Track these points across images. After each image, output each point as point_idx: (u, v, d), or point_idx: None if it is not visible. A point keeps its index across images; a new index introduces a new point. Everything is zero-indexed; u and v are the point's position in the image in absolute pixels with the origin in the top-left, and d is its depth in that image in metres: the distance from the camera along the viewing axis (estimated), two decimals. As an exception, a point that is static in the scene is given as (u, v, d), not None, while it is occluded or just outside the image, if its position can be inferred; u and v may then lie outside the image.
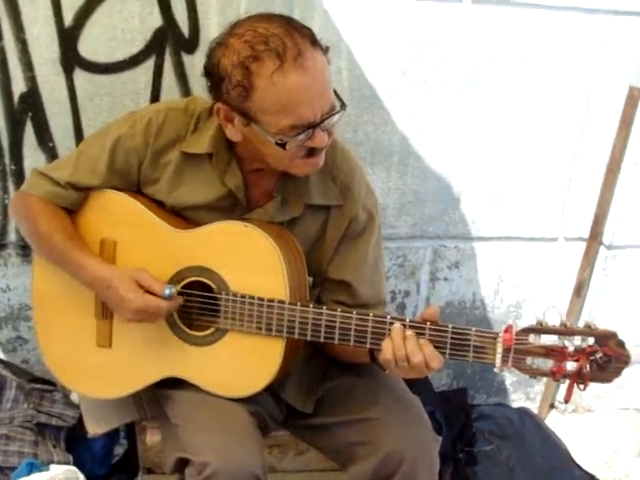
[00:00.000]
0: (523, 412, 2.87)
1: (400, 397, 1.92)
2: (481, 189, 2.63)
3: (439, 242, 2.69)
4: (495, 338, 1.59)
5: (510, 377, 3.01)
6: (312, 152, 1.66)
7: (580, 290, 2.79)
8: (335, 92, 1.66)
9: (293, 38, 1.55)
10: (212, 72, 1.63)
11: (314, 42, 1.60)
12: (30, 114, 2.27)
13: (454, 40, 2.39)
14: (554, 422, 2.96)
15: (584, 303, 2.83)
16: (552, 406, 3.05)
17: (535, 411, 2.97)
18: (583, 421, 3.07)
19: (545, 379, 2.97)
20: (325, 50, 1.63)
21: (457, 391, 2.92)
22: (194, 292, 1.79)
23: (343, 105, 1.65)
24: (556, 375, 1.58)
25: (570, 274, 2.81)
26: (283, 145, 1.61)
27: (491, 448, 2.68)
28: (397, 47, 2.36)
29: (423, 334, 1.62)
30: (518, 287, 2.83)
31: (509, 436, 2.72)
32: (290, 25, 1.58)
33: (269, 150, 1.66)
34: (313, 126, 1.60)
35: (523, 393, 3.07)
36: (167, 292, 1.73)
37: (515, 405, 3.01)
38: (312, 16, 2.21)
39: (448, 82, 2.45)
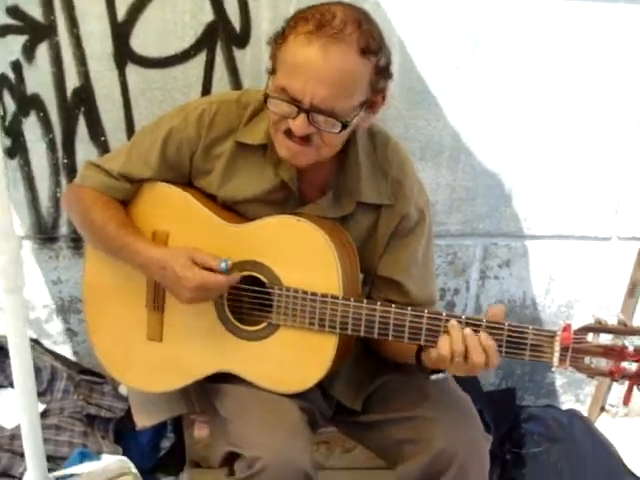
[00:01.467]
0: (573, 414, 2.81)
1: (451, 395, 1.89)
2: (533, 186, 2.59)
3: (490, 240, 2.66)
4: (553, 336, 1.57)
5: (560, 378, 2.96)
6: (290, 134, 1.63)
7: (633, 291, 2.73)
8: (363, 106, 1.63)
9: (344, 25, 1.54)
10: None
11: (364, 51, 1.56)
12: (83, 108, 2.30)
13: (507, 34, 2.35)
14: (605, 425, 2.90)
15: (637, 304, 2.76)
16: (603, 409, 3.00)
17: (585, 414, 2.91)
18: (635, 425, 3.01)
19: (596, 381, 2.93)
20: (381, 74, 1.62)
21: (506, 391, 2.87)
22: (246, 286, 1.78)
23: (344, 125, 1.60)
24: (615, 375, 1.55)
25: (623, 274, 2.75)
26: (266, 98, 1.61)
27: (539, 450, 2.63)
28: (450, 42, 2.34)
29: (478, 331, 1.60)
30: (570, 287, 2.78)
31: (558, 439, 2.67)
32: (358, 20, 1.57)
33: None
34: (299, 107, 1.57)
35: (573, 395, 3.01)
36: (223, 265, 1.72)
37: (564, 407, 2.96)
38: (363, 7, 2.17)
39: (501, 77, 2.41)
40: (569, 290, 2.78)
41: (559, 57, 2.41)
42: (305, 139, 1.62)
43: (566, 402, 3.01)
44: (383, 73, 1.64)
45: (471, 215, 2.60)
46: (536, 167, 2.56)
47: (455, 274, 2.68)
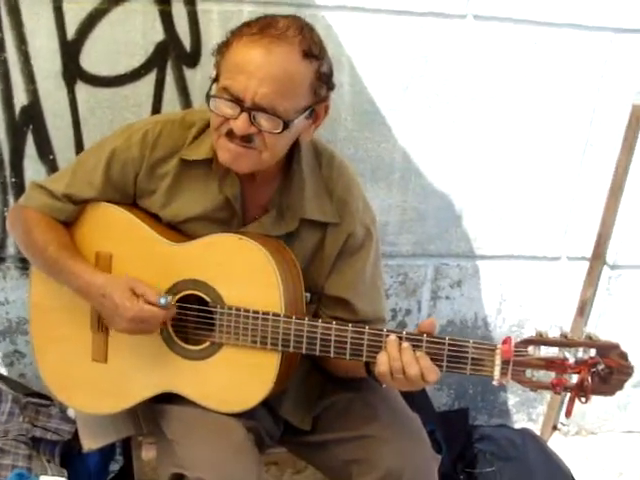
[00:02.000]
0: (525, 433, 2.83)
1: (399, 414, 1.89)
2: (483, 207, 2.62)
3: (441, 260, 2.67)
4: (493, 350, 1.58)
5: (512, 398, 2.98)
6: (232, 136, 1.63)
7: (583, 310, 2.76)
8: (304, 111, 1.65)
9: (286, 29, 1.58)
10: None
11: (306, 54, 1.59)
12: (31, 126, 2.28)
13: (456, 56, 2.39)
14: (557, 444, 2.92)
15: (587, 323, 2.80)
16: (555, 428, 3.02)
17: (538, 433, 2.93)
18: (586, 444, 3.03)
19: (547, 400, 2.96)
20: (322, 80, 1.64)
21: (458, 411, 2.89)
22: (189, 305, 1.77)
23: (286, 125, 1.61)
24: (557, 388, 1.55)
25: (573, 294, 2.78)
26: (208, 100, 1.63)
27: (492, 470, 2.63)
28: (399, 62, 2.36)
29: (420, 346, 1.60)
30: (520, 306, 2.81)
31: (511, 458, 2.68)
32: (300, 26, 1.62)
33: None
34: (241, 107, 1.58)
35: (525, 414, 3.03)
36: (163, 301, 1.71)
37: (517, 426, 2.98)
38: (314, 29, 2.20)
39: (450, 98, 2.44)
40: (520, 310, 2.81)
41: (508, 79, 2.45)
42: (246, 139, 1.63)
43: (519, 421, 3.03)
44: (325, 80, 1.66)
45: (422, 235, 2.61)
46: (486, 188, 2.59)
47: (406, 294, 2.69)
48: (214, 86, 1.66)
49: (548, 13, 2.37)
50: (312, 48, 1.61)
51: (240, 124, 1.59)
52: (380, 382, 1.69)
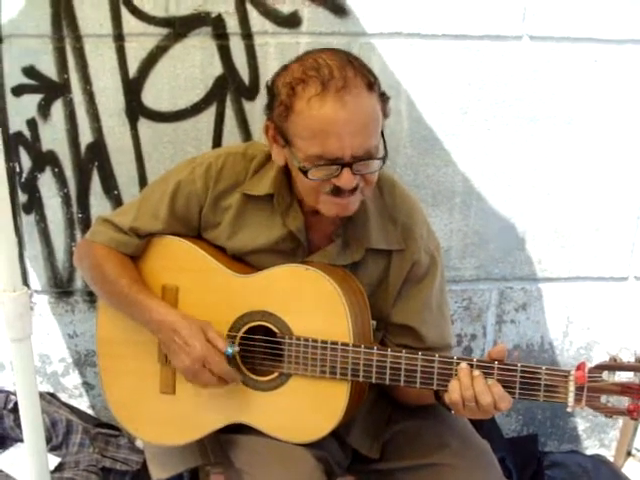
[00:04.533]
0: (598, 460, 2.76)
1: (469, 441, 1.86)
2: (546, 228, 2.58)
3: (505, 284, 2.64)
4: (567, 376, 1.55)
5: (583, 423, 2.90)
6: (338, 192, 1.64)
7: (654, 331, 2.69)
8: (384, 142, 1.66)
9: (344, 72, 1.57)
10: (268, 90, 1.68)
11: (370, 86, 1.60)
12: (96, 163, 2.34)
13: (514, 78, 2.37)
14: (632, 471, 2.82)
15: (658, 345, 2.72)
16: (629, 454, 2.92)
17: (611, 459, 2.84)
18: (663, 470, 2.93)
19: (619, 425, 2.87)
20: (383, 99, 1.64)
21: (528, 437, 2.83)
22: (257, 337, 1.78)
23: (385, 157, 1.64)
24: (633, 414, 1.52)
25: (642, 314, 2.72)
26: (305, 172, 1.61)
27: (564, 497, 2.58)
28: (456, 87, 2.36)
29: (491, 374, 1.58)
30: (588, 329, 2.74)
31: (583, 485, 2.62)
32: (349, 61, 1.60)
33: (298, 178, 1.68)
34: (342, 164, 1.59)
35: (597, 440, 2.95)
36: (230, 350, 1.73)
37: (589, 452, 2.90)
38: (370, 58, 2.22)
39: (509, 121, 2.42)
40: (587, 332, 2.75)
41: (566, 99, 2.42)
42: (353, 190, 1.65)
43: (590, 447, 2.95)
44: (385, 100, 1.67)
45: (485, 259, 2.59)
46: (549, 209, 2.56)
47: (471, 319, 2.66)
48: (294, 152, 1.63)
49: (608, 30, 2.34)
50: (370, 78, 1.61)
51: (347, 180, 1.60)
52: (449, 409, 1.67)
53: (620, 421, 2.87)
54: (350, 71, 1.58)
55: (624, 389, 1.52)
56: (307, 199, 1.73)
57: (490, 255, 2.58)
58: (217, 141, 2.33)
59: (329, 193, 1.65)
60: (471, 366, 1.59)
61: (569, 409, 1.56)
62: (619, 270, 2.67)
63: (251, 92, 2.29)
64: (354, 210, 1.72)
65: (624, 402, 1.54)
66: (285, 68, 1.66)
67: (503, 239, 2.57)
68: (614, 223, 2.61)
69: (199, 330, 1.74)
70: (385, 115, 1.67)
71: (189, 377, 1.76)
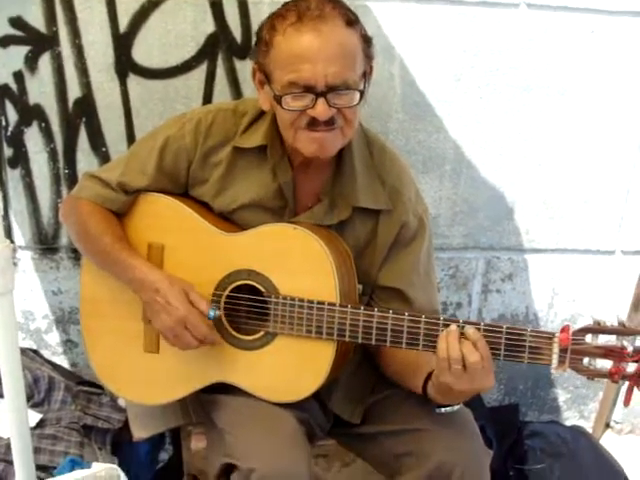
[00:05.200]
0: (577, 431, 2.79)
1: (452, 409, 1.87)
2: (535, 199, 2.58)
3: (492, 253, 2.64)
4: (551, 338, 1.56)
5: (563, 394, 2.93)
6: (314, 123, 1.63)
7: (638, 305, 2.70)
8: (366, 75, 1.66)
9: (322, 5, 1.60)
10: (256, 36, 1.70)
11: (350, 23, 1.61)
12: (84, 119, 2.31)
13: (509, 46, 2.36)
14: (609, 442, 2.85)
15: (643, 318, 2.74)
16: (607, 425, 2.95)
17: (589, 430, 2.88)
18: (640, 442, 2.97)
19: (599, 397, 2.90)
20: (366, 39, 1.65)
21: (508, 407, 2.85)
22: (243, 295, 1.77)
23: (362, 92, 1.63)
24: (614, 376, 1.54)
25: (628, 288, 2.72)
26: (280, 100, 1.61)
27: (542, 467, 2.59)
28: (451, 54, 2.34)
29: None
30: (573, 301, 2.76)
31: (562, 455, 2.63)
32: (330, 0, 1.62)
33: (277, 113, 1.69)
34: (316, 93, 1.58)
35: (577, 411, 2.98)
36: (212, 313, 1.72)
37: (568, 423, 2.92)
38: (365, 22, 2.15)
39: (502, 89, 2.41)
40: (572, 304, 2.76)
41: (561, 69, 2.41)
42: (330, 123, 1.63)
43: (570, 418, 2.98)
44: (368, 40, 1.68)
45: (473, 228, 2.59)
46: (539, 180, 2.55)
47: (457, 288, 2.67)
48: (272, 87, 1.64)
49: (606, 1, 2.32)
50: (350, 16, 1.63)
51: (321, 110, 1.60)
52: (435, 402, 1.69)
53: (600, 393, 2.90)
54: (328, 6, 1.60)
55: (607, 352, 1.54)
56: (286, 136, 1.72)
57: (478, 224, 2.58)
58: (207, 99, 2.30)
59: (306, 127, 1.64)
60: (457, 327, 1.60)
61: (552, 371, 1.57)
62: (606, 243, 2.68)
63: (243, 51, 2.25)
64: (333, 151, 1.71)
65: (606, 365, 1.55)
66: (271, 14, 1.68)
67: (492, 208, 2.57)
68: (603, 196, 2.61)
69: (181, 291, 1.73)
70: (368, 56, 1.67)
71: (170, 338, 1.75)
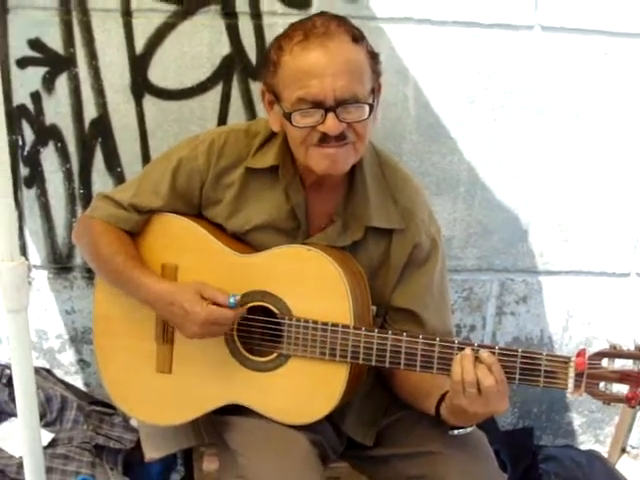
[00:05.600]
0: (592, 455, 2.75)
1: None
2: (550, 221, 2.57)
3: (506, 275, 2.63)
4: (567, 362, 1.55)
5: (579, 418, 2.90)
6: (325, 140, 1.63)
7: (654, 328, 2.68)
8: (374, 91, 1.67)
9: (327, 23, 1.61)
10: (265, 58, 1.72)
11: (355, 39, 1.63)
12: (100, 139, 2.33)
13: (523, 68, 2.35)
14: (625, 468, 2.81)
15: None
16: (624, 450, 2.92)
17: (605, 455, 2.84)
18: (657, 468, 2.93)
19: (615, 421, 2.87)
20: (373, 55, 1.67)
21: (523, 430, 2.82)
22: (257, 317, 1.77)
23: (371, 108, 1.64)
24: (632, 401, 1.53)
25: (643, 311, 2.71)
26: (289, 117, 1.62)
27: (557, 491, 2.57)
28: (465, 75, 2.34)
29: None
30: (588, 324, 2.73)
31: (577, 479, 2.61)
32: (335, 17, 1.65)
33: (288, 132, 1.69)
34: (325, 108, 1.59)
35: (592, 435, 2.94)
36: (232, 300, 1.71)
37: (583, 447, 2.89)
38: (379, 44, 2.20)
39: (517, 111, 2.41)
40: (587, 327, 2.74)
41: (575, 91, 2.40)
42: (341, 138, 1.64)
43: (585, 442, 2.94)
44: (375, 57, 1.69)
45: (487, 250, 2.57)
46: (553, 202, 2.54)
47: (471, 310, 2.65)
48: (282, 105, 1.65)
49: (620, 23, 2.32)
50: (355, 32, 1.64)
51: (331, 124, 1.60)
52: (449, 425, 1.68)
53: (616, 418, 2.86)
54: (334, 24, 1.62)
55: (623, 376, 1.52)
56: (298, 155, 1.72)
57: (492, 246, 2.57)
58: (222, 121, 2.31)
59: (317, 143, 1.64)
60: (472, 350, 1.59)
61: (568, 395, 1.57)
62: (621, 266, 2.66)
63: (258, 72, 2.26)
64: (346, 167, 1.71)
65: (623, 390, 1.54)
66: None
67: (506, 230, 2.55)
68: (618, 218, 2.59)
69: (195, 293, 1.73)
70: (376, 72, 1.68)
71: (206, 337, 1.75)
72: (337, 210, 1.81)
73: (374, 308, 1.81)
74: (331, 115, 1.59)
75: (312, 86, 1.58)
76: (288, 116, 1.63)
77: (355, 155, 1.70)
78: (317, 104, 1.59)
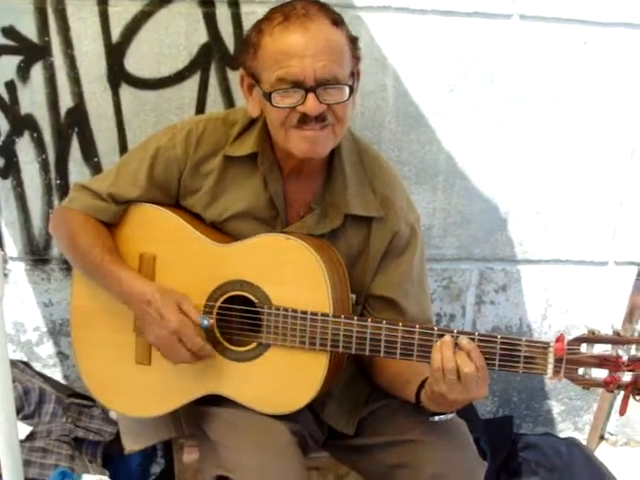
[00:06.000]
0: (571, 443, 2.77)
1: (446, 420, 1.84)
2: (529, 210, 2.58)
3: (486, 264, 2.64)
4: (546, 348, 1.56)
5: (558, 406, 2.92)
6: (305, 121, 1.63)
7: (632, 316, 2.70)
8: (354, 75, 1.67)
9: (307, 7, 1.62)
10: (243, 43, 1.72)
11: (335, 22, 1.63)
12: (76, 129, 2.30)
13: (502, 57, 2.36)
14: (604, 454, 2.84)
15: (636, 329, 2.73)
16: (602, 437, 2.95)
17: (584, 442, 2.86)
18: (635, 455, 2.95)
19: (594, 409, 2.89)
20: (352, 40, 1.67)
21: (503, 419, 2.83)
22: (235, 306, 1.76)
23: (351, 89, 1.64)
24: (610, 385, 1.54)
25: (621, 299, 2.72)
26: (269, 97, 1.61)
27: (537, 479, 2.58)
28: (444, 64, 2.34)
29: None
30: (567, 312, 2.75)
31: (556, 467, 2.62)
32: (313, 1, 1.65)
33: (267, 114, 1.68)
34: (305, 88, 1.58)
35: (571, 423, 2.96)
36: (205, 322, 1.71)
37: (563, 435, 2.91)
38: (359, 32, 2.19)
39: (496, 100, 2.41)
40: (566, 315, 2.75)
41: (554, 80, 2.41)
42: (320, 119, 1.63)
43: (564, 430, 2.97)
44: (354, 42, 1.69)
45: (467, 239, 2.58)
46: (532, 191, 2.55)
47: (451, 299, 2.66)
48: (262, 86, 1.64)
49: (598, 12, 2.33)
50: (335, 16, 1.65)
51: (312, 105, 1.59)
52: (429, 411, 1.68)
53: (594, 405, 2.89)
54: (314, 8, 1.63)
55: (602, 361, 1.53)
56: (277, 137, 1.71)
57: (472, 235, 2.57)
58: (200, 110, 2.29)
59: (297, 125, 1.64)
60: (452, 337, 1.58)
61: (547, 380, 1.57)
62: (600, 254, 2.68)
63: (236, 61, 2.24)
64: (325, 150, 1.70)
65: (601, 375, 1.55)
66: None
67: (485, 219, 2.56)
68: (596, 207, 2.61)
69: (173, 302, 1.72)
70: (355, 57, 1.68)
71: (163, 351, 1.74)
72: (316, 198, 1.81)
73: (353, 296, 1.80)
74: (311, 96, 1.59)
75: (292, 66, 1.57)
76: (268, 96, 1.62)
77: (334, 139, 1.69)
78: (297, 84, 1.59)
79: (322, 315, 1.68)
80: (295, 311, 1.69)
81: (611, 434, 2.97)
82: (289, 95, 1.60)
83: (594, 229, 2.64)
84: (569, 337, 1.55)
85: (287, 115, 1.63)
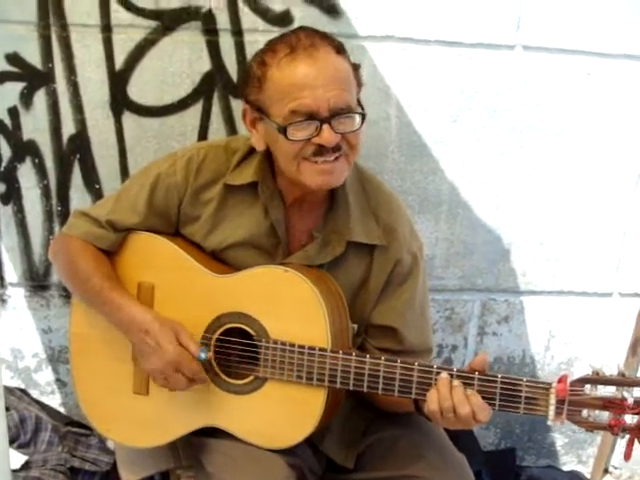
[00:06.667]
0: (575, 476, 2.76)
1: (445, 453, 1.83)
2: (532, 241, 2.56)
3: (488, 295, 2.62)
4: (548, 389, 1.53)
5: (561, 438, 2.88)
6: (320, 152, 1.61)
7: (636, 348, 2.66)
8: (359, 102, 1.66)
9: (311, 37, 1.61)
10: (244, 76, 1.71)
11: (338, 50, 1.63)
12: (78, 156, 2.31)
13: (506, 88, 2.36)
14: (608, 489, 2.81)
15: (640, 362, 2.71)
16: (606, 471, 2.90)
17: (588, 476, 2.83)
18: (639, 489, 2.92)
19: (597, 442, 2.85)
20: (355, 67, 1.67)
21: (505, 451, 2.80)
22: (233, 339, 1.74)
23: (363, 117, 1.63)
24: (614, 429, 1.50)
25: (625, 331, 2.68)
26: (285, 132, 1.59)
27: (539, 513, 2.56)
28: (448, 95, 2.34)
29: (471, 384, 1.56)
30: (570, 344, 2.72)
31: (559, 501, 2.60)
32: (314, 30, 1.65)
33: (278, 147, 1.66)
34: (319, 120, 1.58)
35: (575, 456, 2.93)
36: (203, 355, 1.70)
37: (566, 468, 2.88)
38: (362, 61, 2.16)
39: (499, 131, 2.41)
40: (569, 347, 2.73)
41: (557, 111, 2.41)
42: (336, 149, 1.62)
43: (568, 463, 2.92)
44: (357, 69, 1.69)
45: (469, 270, 2.56)
46: (535, 222, 2.54)
47: (453, 330, 2.63)
48: (273, 120, 1.62)
49: (602, 43, 2.33)
50: (338, 45, 1.64)
51: (328, 135, 1.59)
52: (428, 418, 1.64)
53: (598, 438, 2.85)
54: (317, 37, 1.62)
55: (606, 403, 1.50)
56: (288, 169, 1.68)
57: (474, 265, 2.56)
58: (203, 137, 2.29)
59: (312, 156, 1.62)
60: (451, 376, 1.57)
61: (549, 422, 1.54)
62: (603, 286, 2.66)
63: (239, 90, 2.25)
64: (341, 180, 1.69)
65: (605, 417, 1.51)
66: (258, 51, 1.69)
67: (488, 250, 2.55)
68: (600, 238, 2.59)
69: (171, 332, 1.70)
70: (359, 83, 1.68)
71: (159, 380, 1.73)
72: (317, 227, 1.79)
73: (355, 326, 1.78)
74: (326, 126, 1.58)
75: (304, 97, 1.57)
76: (283, 130, 1.60)
77: (349, 167, 1.69)
78: (311, 115, 1.58)
79: (320, 350, 1.66)
80: (292, 345, 1.67)
81: (615, 467, 2.93)
82: (304, 127, 1.59)
83: (598, 260, 2.62)
84: (572, 378, 1.52)
85: (301, 147, 1.62)
